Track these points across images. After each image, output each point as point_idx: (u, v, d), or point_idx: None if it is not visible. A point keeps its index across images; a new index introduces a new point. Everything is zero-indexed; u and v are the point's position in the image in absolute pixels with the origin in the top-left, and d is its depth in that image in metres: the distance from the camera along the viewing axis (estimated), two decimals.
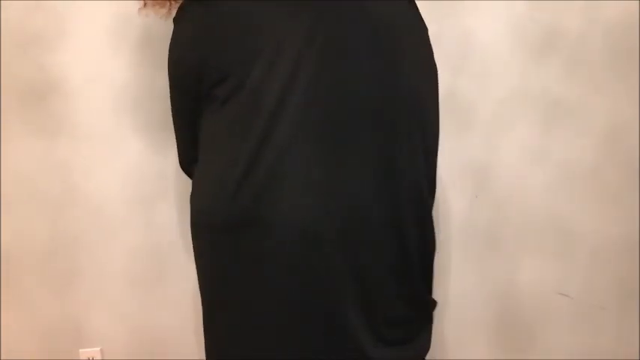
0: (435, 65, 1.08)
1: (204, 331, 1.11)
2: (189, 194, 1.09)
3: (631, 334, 1.55)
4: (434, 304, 1.15)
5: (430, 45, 1.08)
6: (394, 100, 1.00)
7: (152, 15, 1.07)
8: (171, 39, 1.07)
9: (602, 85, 1.41)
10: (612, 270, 1.52)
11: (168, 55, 1.08)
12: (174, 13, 1.07)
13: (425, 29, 1.08)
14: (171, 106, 1.13)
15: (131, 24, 1.37)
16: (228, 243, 1.00)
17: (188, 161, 1.16)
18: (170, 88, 1.11)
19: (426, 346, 1.15)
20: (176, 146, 1.18)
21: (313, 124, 0.96)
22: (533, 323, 1.56)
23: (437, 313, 1.52)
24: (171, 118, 1.15)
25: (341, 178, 0.97)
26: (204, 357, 1.13)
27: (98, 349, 1.55)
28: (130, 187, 1.46)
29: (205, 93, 1.02)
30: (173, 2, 1.04)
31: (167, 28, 1.09)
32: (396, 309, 1.06)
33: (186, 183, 1.14)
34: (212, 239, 1.03)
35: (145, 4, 1.07)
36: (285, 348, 1.01)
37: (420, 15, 1.07)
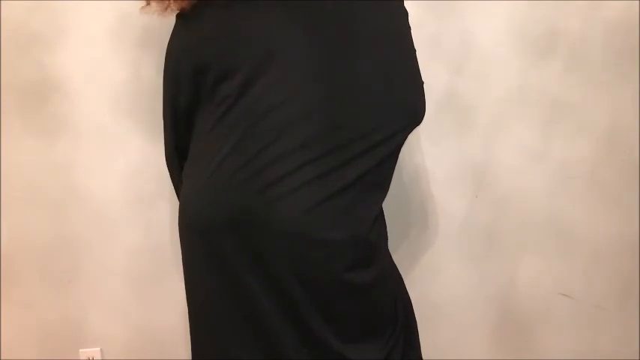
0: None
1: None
2: None
3: (631, 334, 1.55)
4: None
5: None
6: (392, 106, 1.00)
7: (152, 14, 1.07)
8: (175, 33, 1.07)
9: (602, 85, 1.41)
10: (612, 270, 1.52)
11: (171, 47, 1.07)
12: (170, 11, 1.06)
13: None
14: (164, 102, 1.12)
15: (131, 24, 1.37)
16: (211, 245, 1.01)
17: (176, 162, 1.17)
18: (165, 82, 1.10)
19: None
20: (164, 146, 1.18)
21: (312, 135, 0.96)
22: (533, 323, 1.56)
23: (437, 314, 1.53)
24: None
25: (338, 191, 0.97)
26: None
27: (98, 349, 1.55)
28: (130, 187, 1.46)
29: (208, 89, 1.02)
30: (172, 1, 1.04)
31: (167, 28, 1.09)
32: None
33: None
34: (202, 241, 1.04)
35: (148, 3, 1.07)
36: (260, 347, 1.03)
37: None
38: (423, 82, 1.04)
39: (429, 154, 1.46)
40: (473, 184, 1.48)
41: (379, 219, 1.08)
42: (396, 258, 1.20)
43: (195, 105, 1.06)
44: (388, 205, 1.11)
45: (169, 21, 1.08)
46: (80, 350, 1.55)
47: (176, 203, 1.35)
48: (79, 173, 1.45)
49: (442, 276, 1.52)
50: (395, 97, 1.00)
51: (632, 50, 1.39)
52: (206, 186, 1.01)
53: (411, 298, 1.21)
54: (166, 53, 1.08)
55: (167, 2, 1.04)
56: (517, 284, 1.53)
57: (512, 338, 1.57)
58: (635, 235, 1.50)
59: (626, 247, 1.51)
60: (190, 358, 1.14)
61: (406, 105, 1.02)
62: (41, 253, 1.49)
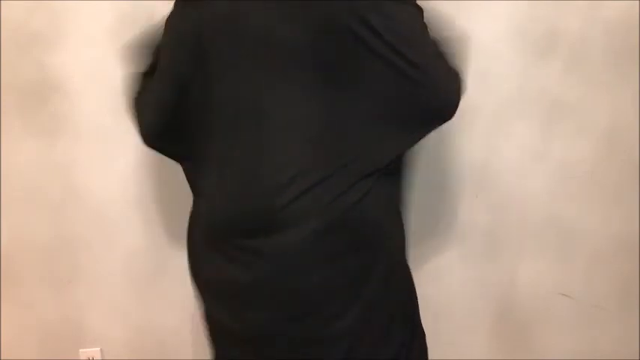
0: None
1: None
2: (190, 194, 1.10)
3: (631, 334, 1.55)
4: None
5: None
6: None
7: (153, 13, 1.07)
8: (177, 11, 1.02)
9: (602, 85, 1.41)
10: (612, 270, 1.52)
11: (173, 23, 1.02)
12: None
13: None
14: (163, 73, 1.05)
15: (131, 24, 1.36)
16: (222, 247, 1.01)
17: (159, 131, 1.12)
18: (166, 52, 1.04)
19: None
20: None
21: (317, 136, 0.96)
22: (532, 323, 1.56)
23: (437, 314, 1.53)
24: None
25: (344, 192, 0.97)
26: (202, 357, 1.13)
27: (98, 349, 1.55)
28: (130, 187, 1.46)
29: (209, 87, 1.01)
30: None
31: None
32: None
33: (186, 183, 1.14)
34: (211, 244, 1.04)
35: None
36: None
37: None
38: (456, 73, 1.04)
39: (429, 154, 1.46)
40: (473, 184, 1.48)
41: (391, 217, 1.08)
42: None
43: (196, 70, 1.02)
44: None
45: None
46: (80, 350, 1.56)
47: (176, 203, 1.35)
48: (79, 173, 1.45)
49: (442, 276, 1.52)
50: (401, 104, 0.99)
51: (632, 50, 1.39)
52: (208, 188, 1.01)
53: None
54: (165, 28, 1.04)
55: None
56: (517, 284, 1.53)
57: (512, 338, 1.57)
58: (635, 235, 1.50)
59: (626, 247, 1.51)
60: (188, 358, 1.14)
61: (418, 111, 1.00)
62: (41, 253, 1.49)
